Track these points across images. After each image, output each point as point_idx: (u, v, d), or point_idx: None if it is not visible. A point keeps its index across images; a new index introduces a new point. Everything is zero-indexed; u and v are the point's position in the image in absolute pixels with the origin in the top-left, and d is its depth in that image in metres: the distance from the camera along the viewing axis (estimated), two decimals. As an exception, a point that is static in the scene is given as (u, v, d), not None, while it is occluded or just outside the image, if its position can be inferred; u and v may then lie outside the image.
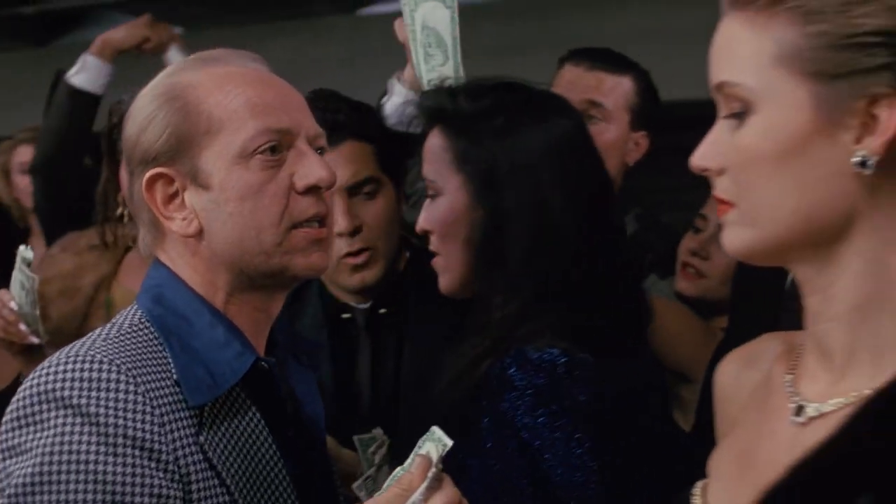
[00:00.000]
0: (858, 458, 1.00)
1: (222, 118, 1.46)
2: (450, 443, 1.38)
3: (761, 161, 1.06)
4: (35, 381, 1.38)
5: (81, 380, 1.34)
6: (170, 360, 1.42)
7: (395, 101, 2.38)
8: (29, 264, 2.46)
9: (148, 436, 1.34)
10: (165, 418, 1.37)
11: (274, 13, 5.72)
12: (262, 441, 1.45)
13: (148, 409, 1.36)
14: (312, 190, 1.49)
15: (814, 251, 1.08)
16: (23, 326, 2.49)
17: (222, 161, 1.45)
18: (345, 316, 2.31)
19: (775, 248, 1.09)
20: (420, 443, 1.40)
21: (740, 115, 1.08)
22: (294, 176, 1.48)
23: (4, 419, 1.38)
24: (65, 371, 1.36)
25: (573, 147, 1.80)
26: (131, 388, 1.35)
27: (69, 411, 1.33)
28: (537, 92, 1.89)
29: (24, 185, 4.06)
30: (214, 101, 1.46)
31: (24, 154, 4.14)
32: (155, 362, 1.42)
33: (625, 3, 4.93)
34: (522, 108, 1.81)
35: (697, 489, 1.22)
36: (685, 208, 3.41)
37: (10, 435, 1.36)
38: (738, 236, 1.10)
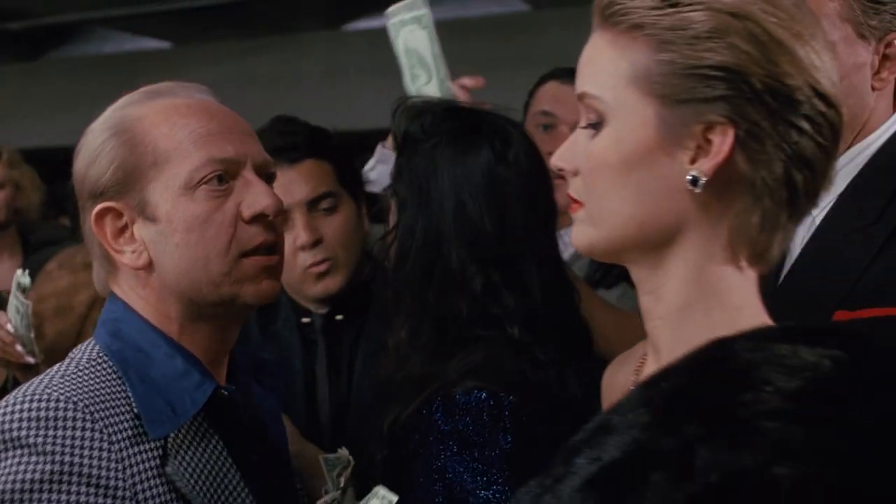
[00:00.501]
0: (599, 432, 1.07)
1: (168, 150, 1.45)
2: (395, 499, 1.45)
3: (608, 169, 1.15)
4: None
5: (38, 419, 1.33)
6: (129, 394, 1.41)
7: (381, 168, 2.49)
8: (24, 290, 2.54)
9: (104, 472, 1.33)
10: (124, 453, 1.36)
11: (258, 29, 5.78)
12: (225, 468, 1.46)
13: (105, 444, 1.35)
14: (259, 218, 1.48)
15: (646, 254, 1.19)
16: (19, 347, 2.58)
17: (168, 193, 1.45)
18: (304, 320, 2.38)
19: (612, 248, 1.19)
20: (365, 501, 1.47)
21: (596, 125, 1.18)
22: (241, 205, 1.47)
23: None
24: (21, 410, 1.34)
25: (489, 179, 1.79)
26: (87, 424, 1.34)
27: (24, 451, 1.32)
28: (480, 116, 1.89)
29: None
30: (160, 134, 1.46)
31: None
32: (113, 396, 1.41)
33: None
34: (456, 132, 1.83)
35: None
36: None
37: None
38: (583, 233, 1.20)
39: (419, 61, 2.31)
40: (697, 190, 1.12)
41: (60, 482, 1.30)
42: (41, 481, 1.30)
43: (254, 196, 1.47)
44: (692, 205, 1.14)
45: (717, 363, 1.04)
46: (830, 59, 1.16)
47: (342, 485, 1.84)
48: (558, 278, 1.85)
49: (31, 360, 2.63)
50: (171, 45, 6.16)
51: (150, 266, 1.47)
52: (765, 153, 1.11)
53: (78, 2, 5.50)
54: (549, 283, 1.79)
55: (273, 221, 1.50)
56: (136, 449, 1.38)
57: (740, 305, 1.17)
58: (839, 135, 1.17)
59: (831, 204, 1.73)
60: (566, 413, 1.55)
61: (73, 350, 1.50)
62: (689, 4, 1.11)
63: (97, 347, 1.47)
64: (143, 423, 1.39)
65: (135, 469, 1.36)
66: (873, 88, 1.73)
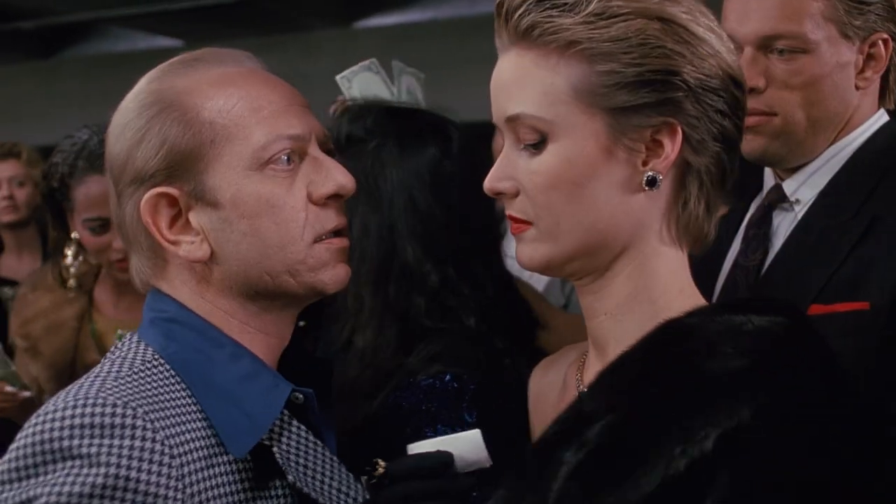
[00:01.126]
0: (575, 422, 1.16)
1: (227, 126, 1.29)
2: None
3: (562, 185, 1.19)
4: (35, 429, 1.20)
5: (91, 426, 1.18)
6: (193, 402, 1.27)
7: None
8: None
9: (162, 490, 1.19)
10: (188, 468, 1.22)
11: (269, 27, 5.81)
12: (326, 457, 1.35)
13: (166, 458, 1.20)
14: (333, 199, 1.35)
15: (600, 258, 1.23)
16: (9, 388, 2.63)
17: (232, 174, 1.29)
18: None
19: (571, 259, 1.23)
20: None
21: (537, 144, 1.22)
22: (311, 185, 1.33)
23: (1, 469, 1.22)
24: (72, 416, 1.19)
25: (437, 174, 1.82)
26: (148, 434, 1.20)
27: (75, 462, 1.18)
28: (421, 115, 1.93)
29: None
30: (216, 108, 1.30)
31: None
32: (176, 404, 1.26)
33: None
34: (399, 132, 1.84)
35: None
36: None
37: (2, 489, 1.19)
38: (537, 252, 1.23)
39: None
40: (655, 189, 1.19)
41: (113, 498, 1.17)
42: (90, 495, 1.16)
43: (325, 175, 1.34)
44: (647, 203, 1.21)
45: (679, 339, 1.15)
46: (728, 40, 1.23)
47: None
48: (505, 271, 1.90)
49: (26, 393, 2.67)
50: (183, 43, 6.20)
51: (211, 258, 1.32)
52: (704, 142, 1.19)
53: (91, 1, 5.54)
54: (499, 276, 1.84)
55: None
56: (202, 464, 1.24)
57: (681, 288, 1.25)
58: (746, 111, 1.25)
59: (813, 199, 1.76)
60: (520, 397, 1.57)
61: (114, 350, 1.35)
62: (620, 15, 1.17)
63: (149, 349, 1.32)
64: (222, 439, 1.25)
65: (200, 486, 1.22)
66: (857, 87, 1.76)
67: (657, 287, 1.24)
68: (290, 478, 1.27)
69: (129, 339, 1.36)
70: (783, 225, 1.81)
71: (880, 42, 1.74)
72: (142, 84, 1.36)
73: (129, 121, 1.32)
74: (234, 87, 1.32)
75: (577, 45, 1.17)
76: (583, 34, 1.17)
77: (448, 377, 1.68)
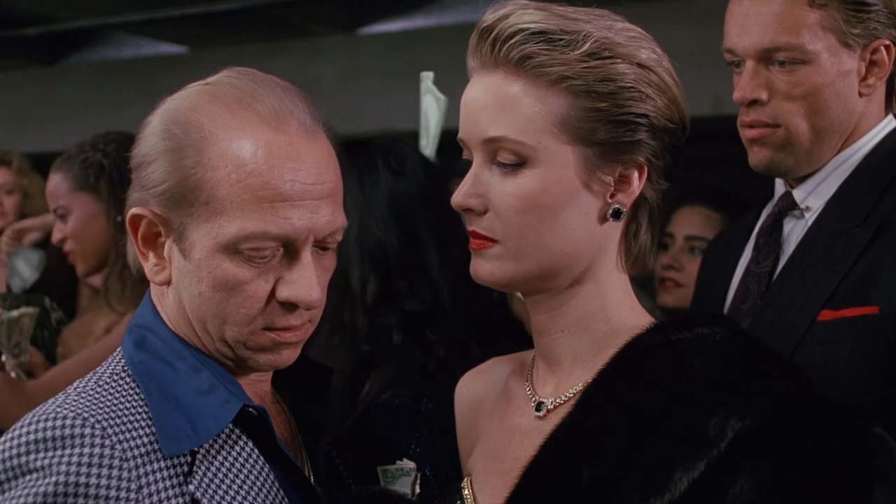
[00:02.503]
0: (580, 435, 1.24)
1: (225, 199, 1.27)
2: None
3: (536, 209, 1.25)
4: (1, 448, 1.26)
5: (44, 440, 1.23)
6: (147, 410, 1.30)
7: None
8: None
9: (113, 492, 1.22)
10: (140, 471, 1.25)
11: (273, 33, 5.82)
12: (260, 482, 1.34)
13: (116, 462, 1.23)
14: (293, 305, 1.32)
15: (559, 280, 1.29)
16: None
17: (207, 242, 1.28)
18: None
19: (533, 279, 1.29)
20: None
21: (514, 167, 1.25)
22: (279, 281, 1.30)
23: None
24: (27, 433, 1.24)
25: (396, 192, 1.91)
26: (97, 441, 1.23)
27: (31, 476, 1.22)
28: (370, 143, 2.00)
29: None
30: (225, 175, 1.27)
31: None
32: (132, 412, 1.29)
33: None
34: (351, 165, 1.88)
35: (465, 482, 1.41)
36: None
37: None
38: (500, 268, 1.28)
39: (426, 126, 2.68)
40: (618, 221, 1.27)
41: None
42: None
43: (296, 280, 1.30)
44: (608, 232, 1.29)
45: (658, 347, 1.25)
46: (681, 87, 1.31)
47: (417, 491, 1.85)
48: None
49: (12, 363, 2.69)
50: (188, 49, 6.20)
51: (169, 284, 1.35)
52: (658, 180, 1.28)
53: (96, 7, 5.55)
54: (458, 282, 1.86)
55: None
56: (154, 465, 1.27)
57: (632, 306, 1.33)
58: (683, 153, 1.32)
59: (823, 206, 1.75)
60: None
61: (102, 363, 1.39)
62: (610, 58, 1.24)
63: (122, 361, 1.36)
64: (159, 439, 1.28)
65: (152, 488, 1.25)
66: (861, 95, 1.76)
67: (612, 306, 1.31)
68: (196, 494, 1.28)
69: (116, 351, 1.39)
70: (794, 232, 1.81)
71: (882, 48, 1.74)
72: (184, 100, 1.34)
73: (154, 132, 1.32)
74: (255, 160, 1.27)
75: (567, 80, 1.23)
76: (574, 71, 1.23)
77: (407, 401, 1.75)
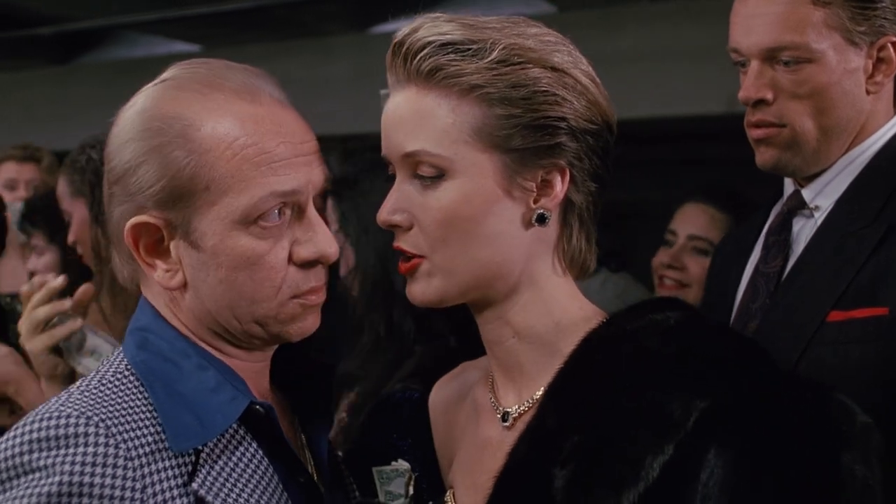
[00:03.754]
0: (545, 437, 1.24)
1: (226, 177, 1.27)
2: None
3: (458, 220, 1.25)
4: (2, 447, 1.24)
5: (47, 439, 1.21)
6: (152, 408, 1.29)
7: None
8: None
9: (118, 491, 1.21)
10: (145, 470, 1.24)
11: (285, 32, 5.82)
12: (265, 482, 1.34)
13: (121, 461, 1.22)
14: (314, 263, 1.34)
15: (494, 290, 1.29)
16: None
17: (219, 225, 1.29)
18: None
19: (464, 293, 1.29)
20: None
21: (433, 179, 1.25)
22: (295, 244, 1.32)
23: None
24: (30, 432, 1.23)
25: None
26: (101, 440, 1.22)
27: (33, 476, 1.21)
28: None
29: (7, 201, 4.15)
30: (218, 153, 1.27)
31: (11, 171, 4.22)
32: (136, 410, 1.28)
33: (619, 24, 5.02)
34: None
35: (449, 494, 1.42)
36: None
37: None
38: (430, 286, 1.29)
39: None
40: (544, 226, 1.27)
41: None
42: None
43: (311, 239, 1.33)
44: (537, 238, 1.28)
45: (612, 343, 1.26)
46: (602, 88, 1.31)
47: (411, 493, 1.85)
48: None
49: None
50: (200, 48, 6.22)
51: (184, 287, 1.33)
52: (584, 182, 1.28)
53: (108, 6, 5.57)
54: None
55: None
56: (159, 465, 1.26)
57: (580, 306, 1.33)
58: (613, 153, 1.32)
59: (832, 206, 1.74)
60: None
61: (102, 363, 1.39)
62: (519, 63, 1.23)
63: (124, 360, 1.35)
64: (167, 436, 1.26)
65: (157, 487, 1.24)
66: (868, 92, 1.75)
67: (556, 308, 1.30)
68: (200, 492, 1.27)
69: (117, 352, 1.38)
70: (803, 231, 1.80)
71: (889, 45, 1.74)
72: (151, 99, 1.33)
73: (131, 138, 1.31)
74: (243, 134, 1.28)
75: (479, 89, 1.23)
76: (484, 80, 1.23)
77: (416, 394, 1.77)
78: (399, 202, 1.28)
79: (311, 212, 1.34)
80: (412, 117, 1.26)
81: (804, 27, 1.71)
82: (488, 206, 1.24)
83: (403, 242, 1.29)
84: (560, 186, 1.26)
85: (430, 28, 1.25)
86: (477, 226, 1.25)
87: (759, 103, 1.76)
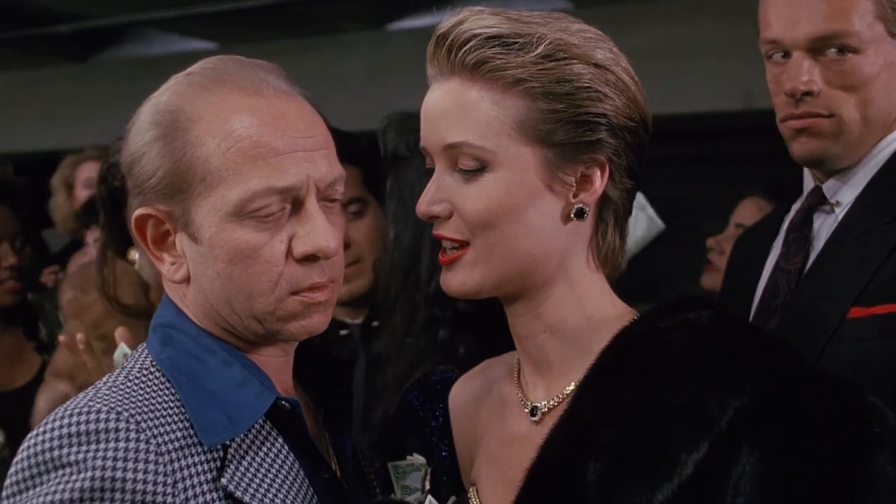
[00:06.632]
0: (580, 432, 1.24)
1: (220, 169, 1.27)
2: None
3: (500, 211, 1.25)
4: (32, 443, 1.24)
5: (78, 434, 1.21)
6: (180, 403, 1.29)
7: None
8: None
9: (150, 486, 1.21)
10: (175, 465, 1.23)
11: (302, 29, 5.83)
12: (291, 477, 1.33)
13: (152, 456, 1.22)
14: (312, 258, 1.31)
15: (530, 283, 1.29)
16: None
17: (214, 216, 1.28)
18: (343, 332, 2.42)
19: (503, 283, 1.29)
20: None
21: (474, 172, 1.25)
22: (293, 238, 1.30)
23: (7, 483, 1.26)
24: (60, 427, 1.22)
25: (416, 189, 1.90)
26: (132, 435, 1.21)
27: (65, 470, 1.20)
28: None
29: (84, 199, 4.15)
30: (215, 144, 1.27)
31: (90, 170, 4.23)
32: (164, 405, 1.28)
33: (636, 21, 5.00)
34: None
35: (472, 491, 1.42)
36: (717, 216, 3.58)
37: (11, 502, 1.24)
38: (470, 276, 1.29)
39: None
40: (582, 220, 1.27)
41: (103, 500, 1.19)
42: (80, 500, 1.18)
43: (309, 232, 1.30)
44: (573, 232, 1.28)
45: (646, 339, 1.26)
46: (641, 86, 1.31)
47: (427, 487, 1.86)
48: None
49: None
50: (216, 45, 6.22)
51: (188, 280, 1.34)
52: (621, 178, 1.28)
53: (127, 4, 5.59)
54: None
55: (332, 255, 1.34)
56: (189, 460, 1.25)
57: (612, 302, 1.33)
58: (647, 151, 1.32)
59: (852, 202, 1.73)
60: None
61: (126, 361, 1.38)
62: (565, 59, 1.24)
63: (149, 357, 1.35)
64: (196, 431, 1.26)
65: (187, 482, 1.24)
66: None
67: (589, 304, 1.31)
68: (229, 487, 1.26)
69: (141, 348, 1.38)
70: (824, 227, 1.78)
71: None
72: (162, 94, 1.34)
73: (139, 129, 1.33)
74: (241, 127, 1.28)
75: (524, 83, 1.23)
76: (529, 74, 1.23)
77: (453, 375, 1.74)
78: (438, 193, 1.29)
79: (312, 205, 1.31)
80: (455, 109, 1.26)
81: (851, 16, 1.69)
82: (530, 199, 1.25)
83: (445, 230, 1.29)
84: (599, 182, 1.27)
85: (475, 21, 1.26)
86: (517, 217, 1.25)
87: (806, 94, 1.73)
